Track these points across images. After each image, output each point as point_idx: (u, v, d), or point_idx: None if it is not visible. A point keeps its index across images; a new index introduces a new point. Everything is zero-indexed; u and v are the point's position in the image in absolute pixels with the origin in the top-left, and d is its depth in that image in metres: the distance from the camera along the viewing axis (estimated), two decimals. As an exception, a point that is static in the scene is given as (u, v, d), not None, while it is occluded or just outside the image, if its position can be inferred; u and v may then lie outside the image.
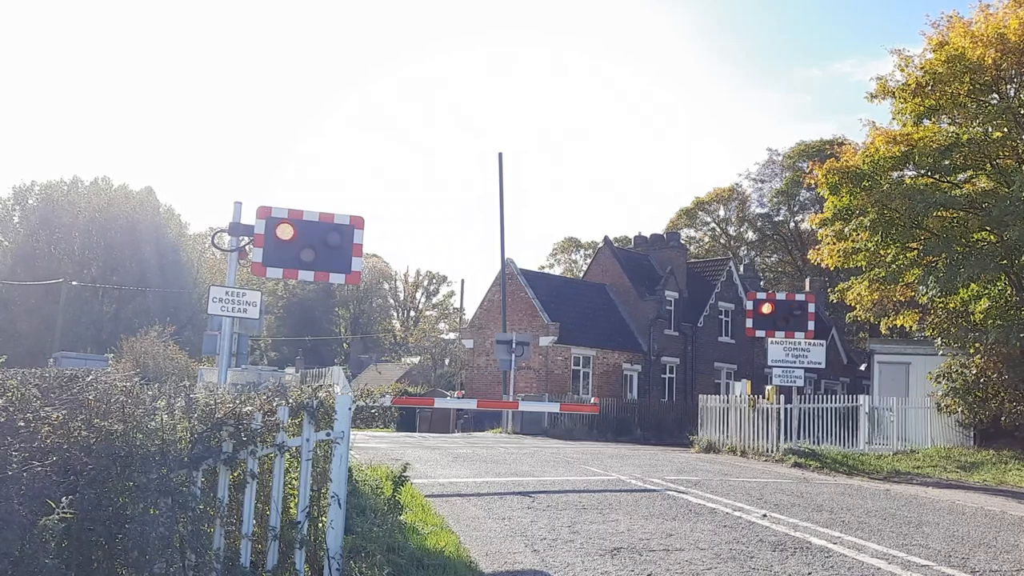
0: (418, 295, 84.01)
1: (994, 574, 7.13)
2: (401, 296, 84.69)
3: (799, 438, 18.80)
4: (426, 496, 9.82)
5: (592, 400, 25.07)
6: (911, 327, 22.91)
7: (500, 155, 33.91)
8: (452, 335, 63.14)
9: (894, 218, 18.94)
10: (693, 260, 48.67)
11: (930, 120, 20.12)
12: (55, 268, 47.03)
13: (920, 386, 22.35)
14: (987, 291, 19.55)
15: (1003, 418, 19.04)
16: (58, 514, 4.01)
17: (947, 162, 19.41)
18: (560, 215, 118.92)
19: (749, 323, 19.31)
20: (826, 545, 7.89)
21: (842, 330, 45.98)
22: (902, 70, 20.01)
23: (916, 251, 19.54)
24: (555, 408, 23.69)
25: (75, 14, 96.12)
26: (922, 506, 11.51)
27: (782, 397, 18.77)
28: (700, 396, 21.38)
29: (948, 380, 20.40)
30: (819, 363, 19.01)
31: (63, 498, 4.10)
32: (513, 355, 28.43)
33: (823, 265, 21.99)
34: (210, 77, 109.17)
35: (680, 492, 11.37)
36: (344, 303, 78.66)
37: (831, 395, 21.62)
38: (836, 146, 23.10)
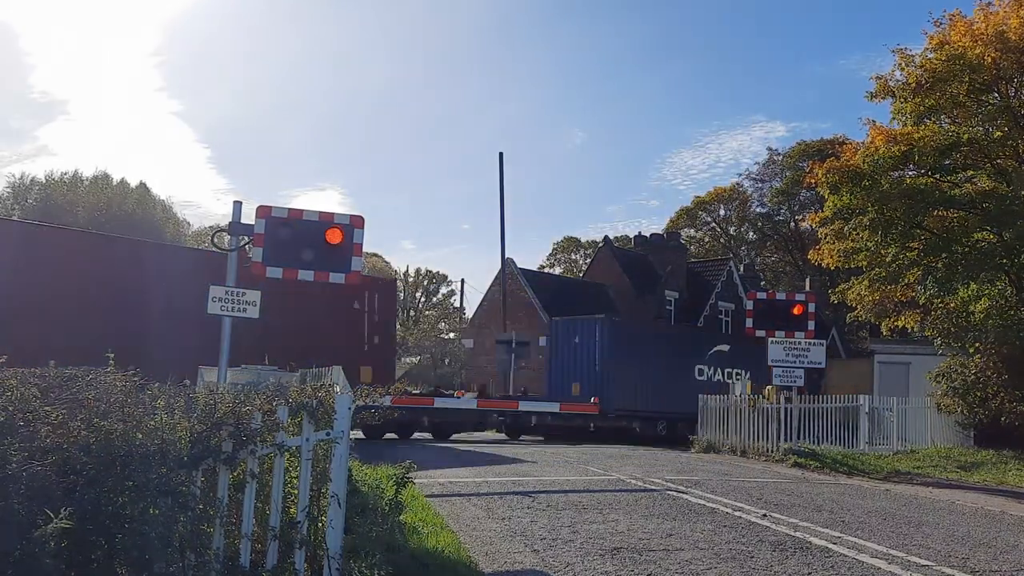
0: (418, 295, 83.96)
1: (994, 574, 7.13)
2: (401, 296, 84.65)
3: (799, 438, 18.78)
4: (426, 496, 9.82)
5: (592, 400, 25.01)
6: (911, 327, 22.91)
7: (500, 155, 34.03)
8: (452, 335, 63.13)
9: (894, 218, 18.94)
10: (693, 260, 48.73)
11: (930, 120, 20.12)
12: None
13: (920, 386, 22.34)
14: (987, 291, 19.55)
15: (1003, 418, 19.03)
16: (55, 524, 3.99)
17: (947, 162, 19.44)
18: (560, 215, 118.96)
19: (749, 323, 19.30)
20: (826, 545, 7.88)
21: (842, 330, 46.02)
22: (902, 69, 20.04)
23: (916, 251, 19.54)
24: (555, 408, 23.67)
25: (76, 12, 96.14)
26: (922, 506, 11.51)
27: (782, 397, 18.77)
28: (700, 396, 21.35)
29: (948, 380, 20.40)
30: (819, 363, 18.99)
31: (62, 508, 4.08)
32: (513, 355, 28.41)
33: (823, 265, 21.99)
34: (209, 77, 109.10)
35: (680, 492, 11.37)
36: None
37: (831, 395, 21.58)
38: (836, 145, 23.15)
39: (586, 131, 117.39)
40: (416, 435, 22.25)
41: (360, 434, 19.39)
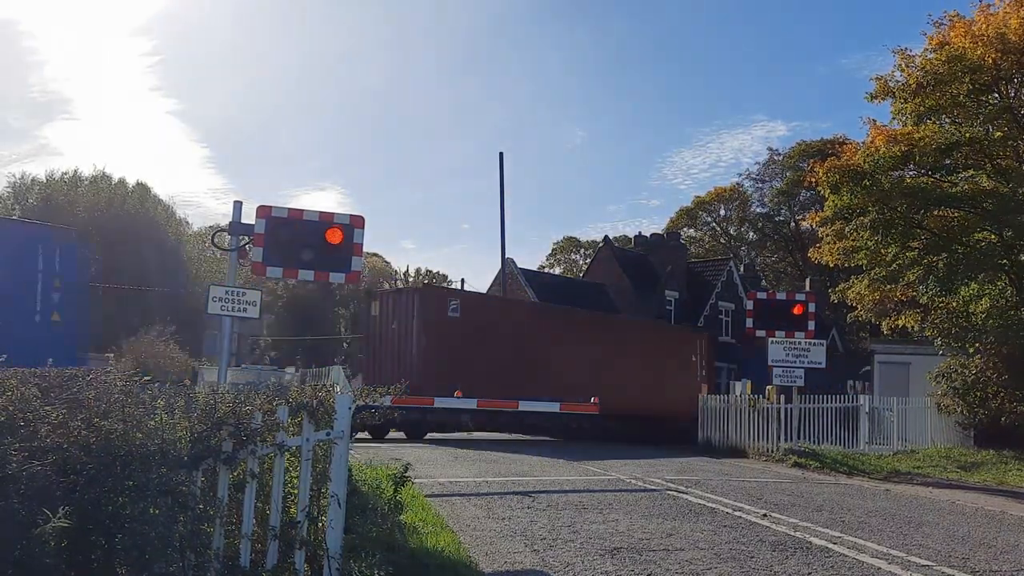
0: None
1: (994, 574, 7.13)
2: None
3: (799, 438, 18.79)
4: (426, 496, 9.80)
5: (592, 400, 24.97)
6: (912, 327, 22.92)
7: (501, 155, 33.92)
8: (452, 334, 62.91)
9: (894, 217, 18.95)
10: (693, 260, 48.73)
11: (930, 120, 20.12)
12: (55, 267, 46.87)
13: (920, 386, 22.34)
14: (987, 291, 19.56)
15: (1003, 418, 19.03)
16: (55, 524, 3.99)
17: (948, 161, 19.45)
18: (560, 215, 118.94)
19: (749, 323, 19.30)
20: (826, 545, 7.88)
21: (842, 330, 46.01)
22: (903, 70, 20.02)
23: (916, 250, 19.55)
24: (555, 408, 23.62)
25: (74, 11, 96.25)
26: (922, 506, 11.51)
27: (782, 397, 18.77)
28: (700, 396, 21.34)
29: (948, 380, 20.40)
30: (819, 363, 18.99)
31: (61, 508, 4.07)
32: (512, 355, 28.19)
33: (824, 264, 21.98)
34: (206, 76, 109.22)
35: (680, 492, 11.36)
36: (344, 302, 78.55)
37: (831, 395, 21.59)
38: (837, 145, 23.15)
39: (586, 131, 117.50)
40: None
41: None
